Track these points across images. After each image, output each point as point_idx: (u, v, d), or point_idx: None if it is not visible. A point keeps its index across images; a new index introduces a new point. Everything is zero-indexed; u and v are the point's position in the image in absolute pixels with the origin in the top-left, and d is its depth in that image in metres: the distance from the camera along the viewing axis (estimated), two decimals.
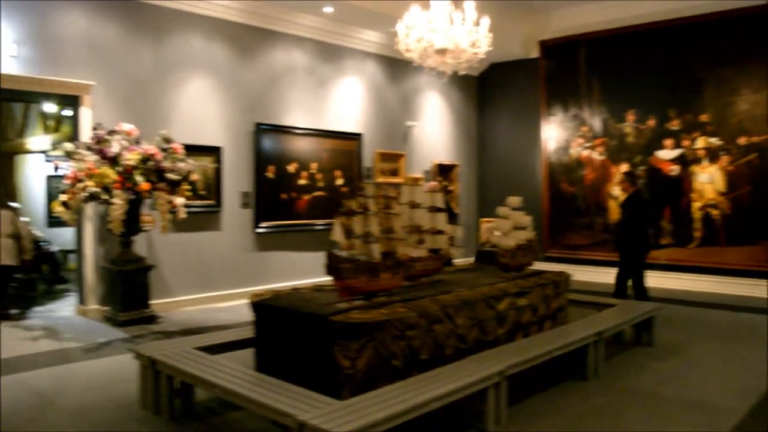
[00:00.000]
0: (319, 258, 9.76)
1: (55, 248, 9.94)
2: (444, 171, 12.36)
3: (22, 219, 9.64)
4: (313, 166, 10.06)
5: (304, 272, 9.74)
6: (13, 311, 8.02)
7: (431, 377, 4.30)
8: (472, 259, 8.66)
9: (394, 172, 11.34)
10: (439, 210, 5.86)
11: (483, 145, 13.35)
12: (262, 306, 4.83)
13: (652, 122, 10.95)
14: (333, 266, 4.55)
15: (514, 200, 6.59)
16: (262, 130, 9.40)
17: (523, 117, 12.63)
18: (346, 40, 10.56)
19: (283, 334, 4.65)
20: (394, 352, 4.44)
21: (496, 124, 13.17)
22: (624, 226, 8.26)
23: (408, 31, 6.74)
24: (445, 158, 12.48)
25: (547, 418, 4.76)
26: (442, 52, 6.58)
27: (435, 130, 12.34)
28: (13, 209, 8.40)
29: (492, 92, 13.16)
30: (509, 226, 6.44)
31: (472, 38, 6.60)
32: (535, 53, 12.23)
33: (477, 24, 6.69)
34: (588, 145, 11.71)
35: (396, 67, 11.42)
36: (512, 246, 6.36)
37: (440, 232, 5.80)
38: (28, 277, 9.58)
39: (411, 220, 5.41)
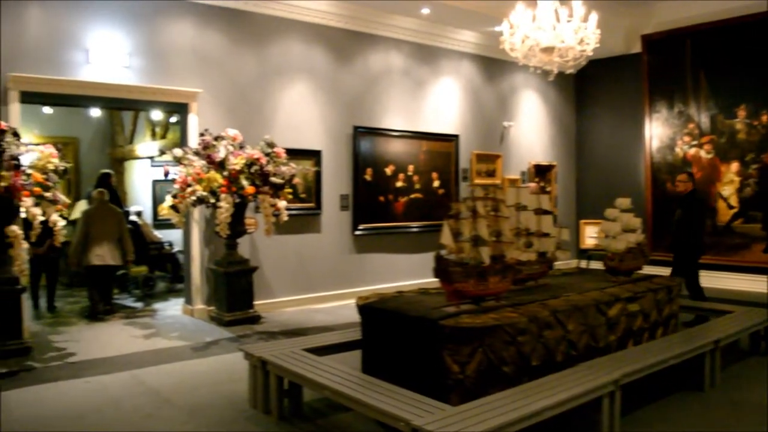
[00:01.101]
0: (415, 260, 9.92)
1: (176, 249, 10.35)
2: (541, 172, 12.10)
3: (141, 221, 10.12)
4: (410, 168, 10.05)
5: (400, 275, 9.75)
6: (140, 305, 8.41)
7: (544, 384, 4.18)
8: (574, 262, 8.41)
9: (491, 174, 11.19)
10: (545, 212, 5.73)
11: (581, 144, 12.98)
12: (369, 309, 4.84)
13: (766, 117, 10.33)
14: (441, 269, 4.49)
15: (624, 202, 6.35)
16: (360, 132, 9.47)
17: (625, 115, 12.19)
18: (443, 40, 10.50)
19: (391, 337, 4.64)
20: (505, 357, 4.34)
21: (596, 122, 12.78)
22: (680, 226, 7.86)
23: (513, 30, 6.62)
24: (543, 159, 12.22)
25: (663, 430, 4.54)
26: (548, 50, 6.41)
27: (532, 130, 12.10)
28: (125, 212, 8.82)
29: (591, 90, 12.77)
30: (618, 229, 6.21)
31: (579, 35, 6.40)
32: (636, 48, 11.78)
33: (585, 20, 6.48)
34: (695, 143, 11.16)
35: (492, 66, 11.27)
36: (622, 249, 6.13)
37: (546, 234, 5.66)
38: (148, 276, 10.06)
39: (518, 222, 5.30)
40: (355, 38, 9.51)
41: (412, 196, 10.09)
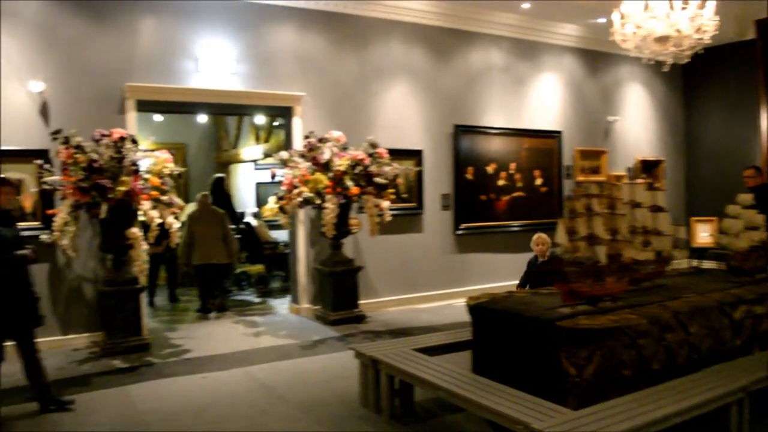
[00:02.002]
0: (517, 260, 9.71)
1: (288, 250, 10.66)
2: (648, 167, 11.62)
3: (257, 222, 10.44)
4: (512, 166, 9.89)
5: (502, 274, 9.59)
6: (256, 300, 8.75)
7: (667, 390, 4.00)
8: (685, 262, 8.02)
9: (595, 170, 10.85)
10: (660, 209, 5.48)
11: (690, 138, 12.38)
12: (480, 309, 4.76)
13: None
14: (556, 269, 4.37)
15: (746, 198, 5.99)
16: (461, 131, 9.39)
17: (737, 106, 11.51)
18: (544, 35, 10.26)
19: (503, 338, 4.55)
20: (624, 361, 4.17)
21: (705, 114, 12.16)
22: None
23: (624, 20, 6.37)
24: (650, 154, 11.73)
25: None
26: (662, 40, 6.13)
27: (638, 125, 11.64)
28: (241, 213, 9.10)
29: (699, 81, 12.14)
30: (740, 227, 5.87)
31: (696, 23, 6.09)
32: (750, 34, 11.10)
33: (702, 7, 6.16)
34: None
35: (595, 60, 10.93)
36: (745, 248, 5.79)
37: (662, 233, 5.42)
38: (263, 274, 10.39)
39: (634, 220, 5.09)
40: (454, 36, 9.44)
41: (514, 194, 9.92)
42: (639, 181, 10.25)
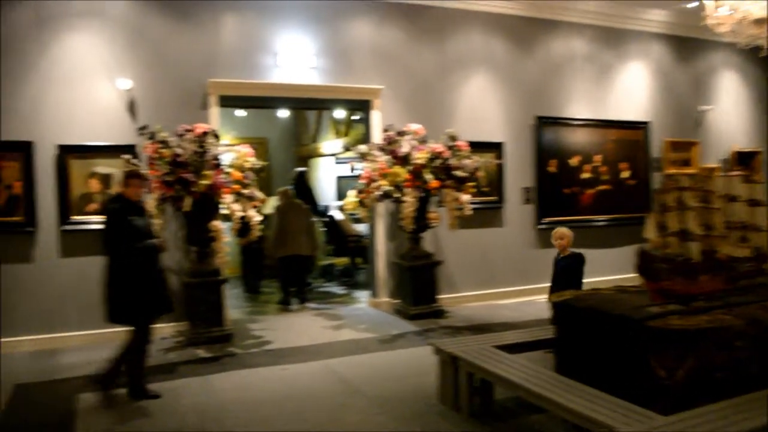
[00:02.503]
0: (602, 256, 9.41)
1: None
2: (744, 159, 10.99)
3: (342, 215, 10.52)
4: (597, 158, 9.55)
5: (586, 271, 9.27)
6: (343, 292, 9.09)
7: (765, 397, 3.73)
8: None
9: (686, 162, 10.35)
10: (758, 203, 5.14)
11: None
12: (564, 306, 4.60)
13: None
14: (645, 266, 4.17)
15: None
16: (543, 123, 9.15)
17: None
18: (630, 22, 9.86)
19: (588, 337, 4.37)
20: (718, 364, 3.93)
21: None
22: None
23: (718, 3, 6.02)
24: (746, 144, 11.10)
25: None
26: (760, 22, 5.76)
27: (732, 114, 11.02)
28: (326, 207, 9.18)
29: None
30: None
31: None
32: None
33: None
34: None
35: (686, 46, 10.42)
36: None
37: (760, 228, 5.08)
38: (347, 267, 10.54)
39: (730, 215, 4.79)
40: (535, 25, 9.19)
41: (600, 187, 9.58)
42: (735, 173, 9.72)
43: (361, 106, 8.49)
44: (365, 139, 8.36)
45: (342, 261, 10.72)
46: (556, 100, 9.36)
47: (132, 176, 5.16)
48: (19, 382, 5.65)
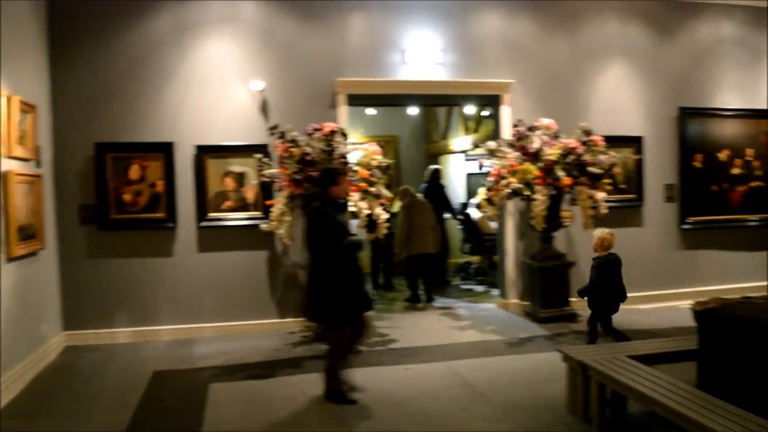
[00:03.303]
0: (753, 259, 8.62)
1: None
2: None
3: (479, 214, 10.37)
4: (749, 152, 8.74)
5: (734, 275, 8.57)
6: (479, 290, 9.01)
7: None
8: None
9: None
10: None
11: None
12: (709, 315, 4.19)
13: None
14: None
15: None
16: (687, 114, 8.50)
17: None
18: None
19: (737, 350, 3.95)
20: None
21: None
22: None
23: None
24: None
25: None
26: None
27: None
28: (463, 204, 9.09)
29: None
30: None
31: None
32: None
33: None
34: None
35: None
36: None
37: None
38: (480, 266, 10.38)
39: None
40: (676, 9, 8.54)
41: (752, 184, 8.76)
42: None
43: (490, 101, 8.28)
44: (495, 135, 8.13)
45: (477, 259, 10.54)
46: (702, 90, 8.67)
47: (342, 173, 5.14)
48: (157, 369, 5.96)
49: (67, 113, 6.91)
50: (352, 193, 6.53)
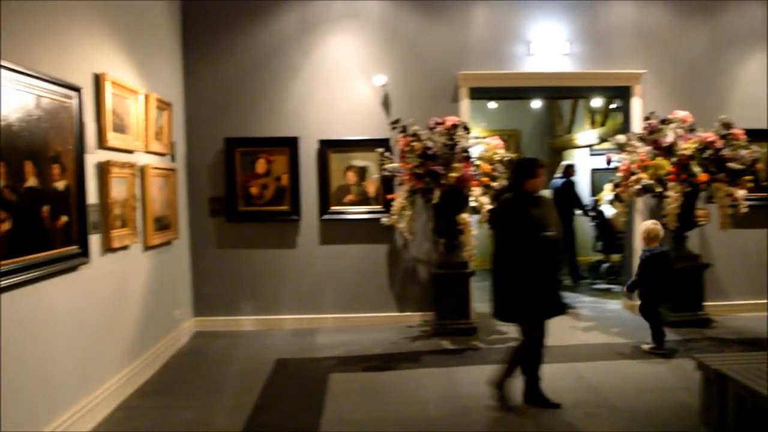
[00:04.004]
0: None
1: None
2: None
3: (613, 210, 10.00)
4: None
5: None
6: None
7: None
8: None
9: None
10: None
11: None
12: None
13: None
14: None
15: None
16: None
17: None
18: None
19: None
20: None
21: None
22: None
23: None
24: None
25: None
26: None
27: None
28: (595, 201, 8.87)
29: None
30: None
31: None
32: None
33: None
34: None
35: None
36: None
37: None
38: (611, 265, 10.04)
39: None
40: None
41: None
42: None
43: (619, 93, 7.92)
44: (623, 128, 7.76)
45: (616, 258, 10.08)
46: None
47: (542, 166, 4.75)
48: (280, 357, 6.15)
49: (198, 110, 7.26)
50: (473, 188, 6.48)
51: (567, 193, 9.67)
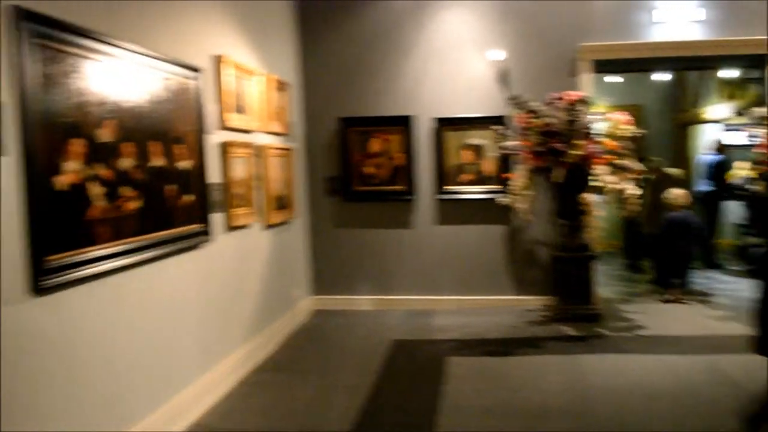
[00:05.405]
0: None
1: None
2: None
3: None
4: None
5: None
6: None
7: None
8: None
9: None
10: None
11: None
12: None
13: None
14: None
15: None
16: None
17: None
18: None
19: None
20: None
21: None
22: None
23: None
24: None
25: None
26: None
27: None
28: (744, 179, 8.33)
29: None
30: None
31: None
32: None
33: None
34: None
35: None
36: None
37: None
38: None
39: None
40: None
41: None
42: None
43: (756, 62, 7.27)
44: (761, 101, 7.13)
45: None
46: None
47: None
48: (396, 337, 6.11)
49: (314, 90, 7.30)
50: (596, 167, 6.14)
51: (720, 172, 9.01)
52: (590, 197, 6.27)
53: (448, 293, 7.21)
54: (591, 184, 6.27)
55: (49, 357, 3.02)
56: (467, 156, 7.12)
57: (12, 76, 2.79)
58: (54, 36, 3.04)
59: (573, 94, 6.29)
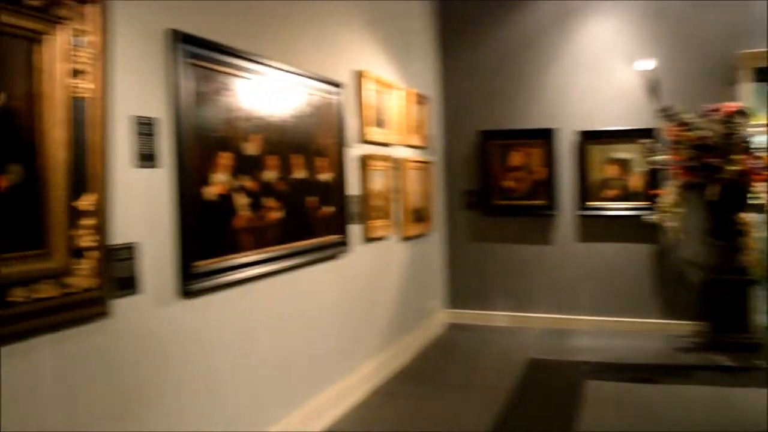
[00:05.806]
0: None
1: None
2: None
3: None
4: None
5: None
6: None
7: None
8: None
9: None
10: None
11: None
12: None
13: None
14: None
15: None
16: None
17: None
18: None
19: None
20: None
21: None
22: None
23: None
24: None
25: None
26: None
27: None
28: None
29: None
30: None
31: None
32: None
33: None
34: None
35: None
36: None
37: None
38: None
39: None
40: None
41: None
42: None
43: None
44: None
45: None
46: None
47: None
48: (532, 356, 5.94)
49: (453, 103, 7.30)
50: (756, 184, 5.69)
51: None
52: (749, 216, 5.80)
53: (588, 313, 6.91)
54: (750, 202, 5.82)
55: (195, 357, 3.21)
56: (612, 171, 6.81)
57: (168, 94, 3.01)
58: (207, 56, 3.25)
59: (731, 105, 5.87)
